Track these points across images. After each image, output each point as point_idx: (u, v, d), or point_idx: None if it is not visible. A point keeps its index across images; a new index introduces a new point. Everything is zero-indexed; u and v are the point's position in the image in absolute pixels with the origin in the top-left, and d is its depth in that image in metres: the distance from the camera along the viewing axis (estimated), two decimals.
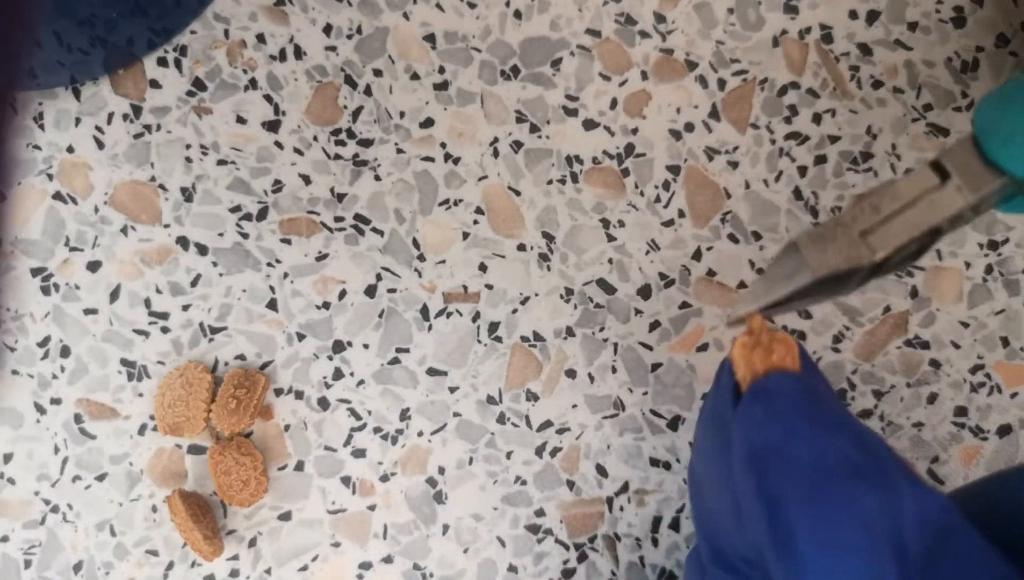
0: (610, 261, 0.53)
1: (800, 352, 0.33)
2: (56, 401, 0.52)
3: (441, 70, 0.53)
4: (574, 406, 0.53)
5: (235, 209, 0.53)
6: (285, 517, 0.52)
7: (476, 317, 0.53)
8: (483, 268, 0.53)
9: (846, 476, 0.28)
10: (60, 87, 0.52)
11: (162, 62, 0.53)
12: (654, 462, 0.53)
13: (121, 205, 0.52)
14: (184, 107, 0.53)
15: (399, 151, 0.53)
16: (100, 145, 0.52)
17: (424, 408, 0.53)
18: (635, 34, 0.54)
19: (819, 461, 0.28)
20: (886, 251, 0.32)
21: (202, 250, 0.52)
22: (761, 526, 0.28)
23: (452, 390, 0.53)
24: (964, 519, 0.27)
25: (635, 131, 0.54)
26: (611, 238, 0.53)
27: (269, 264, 0.53)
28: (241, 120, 0.53)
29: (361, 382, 0.53)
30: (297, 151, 0.53)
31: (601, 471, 0.53)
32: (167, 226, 0.52)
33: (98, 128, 0.52)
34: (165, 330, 0.52)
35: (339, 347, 0.53)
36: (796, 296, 0.33)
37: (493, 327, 0.53)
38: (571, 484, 0.53)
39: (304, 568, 0.52)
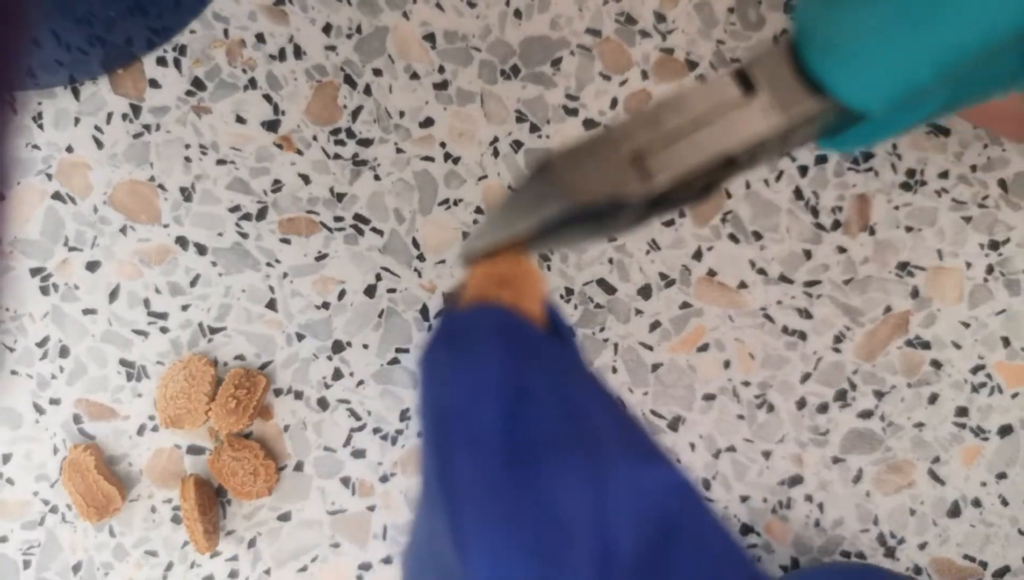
0: (610, 261, 0.53)
1: (551, 312, 0.26)
2: (55, 401, 0.52)
3: (441, 70, 0.53)
4: None
5: (234, 209, 0.52)
6: (285, 518, 0.52)
7: None
8: None
9: (544, 452, 0.21)
10: (59, 87, 0.52)
11: (161, 62, 0.53)
12: None
13: (120, 205, 0.52)
14: (183, 107, 0.53)
15: (399, 151, 0.53)
16: (99, 145, 0.52)
17: None
18: (635, 33, 0.54)
19: (513, 429, 0.21)
20: (664, 182, 0.23)
21: (201, 250, 0.52)
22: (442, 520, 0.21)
23: None
24: (700, 501, 0.22)
25: None
26: (611, 238, 0.53)
27: (268, 264, 0.52)
28: (241, 120, 0.53)
29: (361, 382, 0.52)
30: (297, 151, 0.53)
31: None
32: (166, 226, 0.52)
33: (97, 128, 0.52)
34: (164, 330, 0.52)
35: (339, 347, 0.52)
36: (546, 231, 0.24)
37: None
38: None
39: (304, 569, 0.52)
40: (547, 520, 0.20)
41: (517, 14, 0.54)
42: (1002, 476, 0.54)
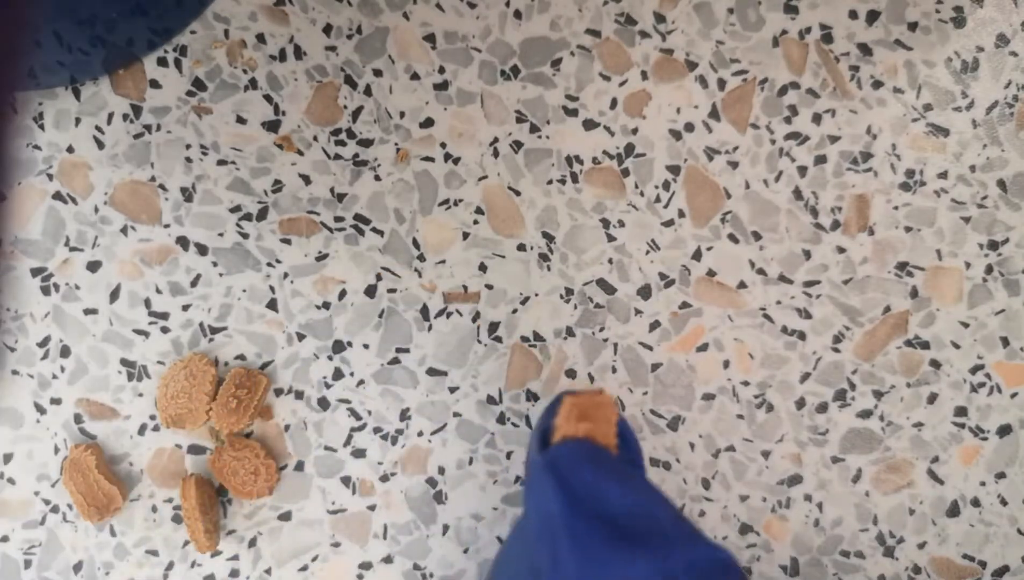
0: (610, 261, 0.53)
1: (622, 431, 0.38)
2: (56, 401, 0.52)
3: (441, 70, 0.53)
4: None
5: (235, 209, 0.53)
6: (285, 517, 0.52)
7: (476, 317, 0.53)
8: (483, 268, 0.53)
9: (620, 535, 0.32)
10: (60, 87, 0.52)
11: (162, 62, 0.53)
12: (654, 462, 0.53)
13: (121, 205, 0.52)
14: (184, 107, 0.53)
15: (399, 150, 0.53)
16: (100, 145, 0.52)
17: (424, 408, 0.53)
18: (635, 34, 0.54)
19: (601, 515, 0.33)
20: None
21: (202, 250, 0.52)
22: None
23: (452, 390, 0.53)
24: (739, 569, 0.31)
25: (635, 131, 0.54)
26: (611, 238, 0.53)
27: (269, 264, 0.53)
28: (241, 120, 0.53)
29: (361, 382, 0.53)
30: (298, 151, 0.53)
31: None
32: (167, 226, 0.52)
33: (98, 128, 0.52)
34: (165, 330, 0.52)
35: (339, 347, 0.53)
36: None
37: (493, 327, 0.53)
38: None
39: (304, 568, 0.52)
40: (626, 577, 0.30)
41: (517, 15, 0.54)
42: (1001, 476, 0.54)
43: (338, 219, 0.53)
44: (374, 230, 0.53)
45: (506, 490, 0.53)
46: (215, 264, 0.52)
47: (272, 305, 0.52)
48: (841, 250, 0.53)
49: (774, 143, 0.54)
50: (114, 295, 0.52)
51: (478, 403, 0.53)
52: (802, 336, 0.53)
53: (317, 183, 0.53)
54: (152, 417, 0.52)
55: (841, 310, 0.54)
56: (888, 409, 0.53)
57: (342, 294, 0.53)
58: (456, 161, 0.53)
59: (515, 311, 0.53)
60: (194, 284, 0.52)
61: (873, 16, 0.55)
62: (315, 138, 0.53)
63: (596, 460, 0.36)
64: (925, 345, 0.54)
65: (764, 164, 0.54)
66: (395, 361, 0.53)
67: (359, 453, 0.52)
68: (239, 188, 0.53)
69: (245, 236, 0.53)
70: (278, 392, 0.52)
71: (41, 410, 0.52)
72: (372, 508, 0.52)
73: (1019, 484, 0.54)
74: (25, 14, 0.19)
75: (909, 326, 0.54)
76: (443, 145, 0.53)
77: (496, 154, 0.53)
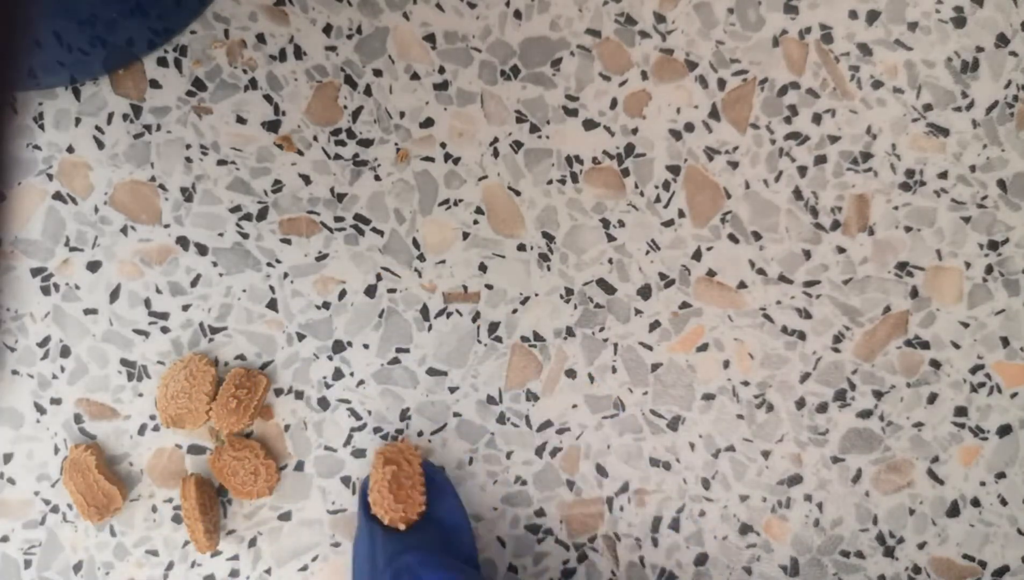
0: (610, 261, 0.53)
1: (425, 469, 0.50)
2: (56, 401, 0.52)
3: (441, 70, 0.53)
4: (574, 406, 0.53)
5: (235, 209, 0.53)
6: (285, 517, 0.52)
7: (476, 317, 0.53)
8: (483, 268, 0.53)
9: None
10: (60, 87, 0.52)
11: (162, 62, 0.53)
12: (654, 462, 0.53)
13: (121, 205, 0.52)
14: (184, 107, 0.53)
15: (399, 151, 0.53)
16: (100, 145, 0.52)
17: (424, 408, 0.53)
18: (635, 34, 0.54)
19: None
20: None
21: (202, 250, 0.52)
22: None
23: (452, 390, 0.53)
24: None
25: (635, 131, 0.54)
26: (611, 238, 0.53)
27: (269, 264, 0.53)
28: (241, 120, 0.53)
29: (361, 382, 0.53)
30: (298, 151, 0.53)
31: (601, 471, 0.53)
32: (167, 226, 0.52)
33: (98, 128, 0.52)
34: (165, 330, 0.52)
35: (339, 347, 0.53)
36: None
37: (493, 327, 0.53)
38: (571, 484, 0.53)
39: (304, 568, 0.52)
40: None
41: (517, 15, 0.54)
42: (1001, 476, 0.54)
43: (338, 219, 0.53)
44: (374, 230, 0.53)
45: (506, 490, 0.53)
46: (215, 264, 0.52)
47: (272, 305, 0.52)
48: (841, 250, 0.53)
49: (774, 143, 0.54)
50: (114, 295, 0.52)
51: (478, 403, 0.53)
52: (802, 336, 0.53)
53: (317, 183, 0.53)
54: (152, 417, 0.52)
55: (841, 310, 0.54)
56: (888, 409, 0.53)
57: (342, 294, 0.53)
58: (456, 161, 0.53)
59: (515, 311, 0.53)
60: (194, 284, 0.52)
61: (873, 16, 0.55)
62: (315, 138, 0.53)
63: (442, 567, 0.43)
64: (925, 345, 0.54)
65: (764, 164, 0.54)
66: (395, 361, 0.53)
67: (359, 453, 0.52)
68: (239, 188, 0.53)
69: (245, 236, 0.53)
70: (278, 392, 0.52)
71: (41, 410, 0.52)
72: None
73: (1019, 484, 0.54)
74: (25, 14, 0.19)
75: (909, 326, 0.54)
76: (443, 145, 0.53)
77: (496, 154, 0.53)
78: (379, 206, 0.53)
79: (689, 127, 0.54)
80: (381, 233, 0.53)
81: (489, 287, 0.53)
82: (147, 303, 0.52)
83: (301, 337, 0.52)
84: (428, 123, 0.53)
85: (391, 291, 0.53)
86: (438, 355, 0.53)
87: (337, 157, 0.53)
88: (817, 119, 0.54)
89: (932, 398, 0.54)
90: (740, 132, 0.54)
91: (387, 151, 0.53)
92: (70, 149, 0.52)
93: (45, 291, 0.52)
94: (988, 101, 0.54)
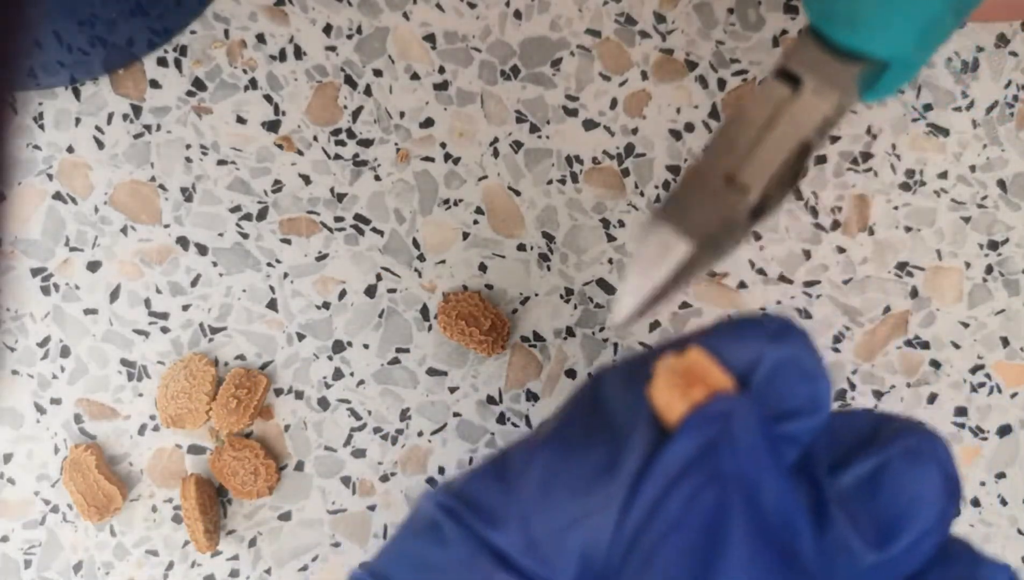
0: (610, 261, 0.53)
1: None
2: (56, 401, 0.52)
3: (441, 70, 0.53)
4: None
5: (235, 209, 0.53)
6: (285, 517, 0.52)
7: None
8: (483, 268, 0.53)
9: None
10: (60, 87, 0.52)
11: (162, 62, 0.53)
12: None
13: (121, 205, 0.52)
14: (184, 107, 0.53)
15: (399, 151, 0.53)
16: (100, 145, 0.52)
17: (424, 408, 0.53)
18: (635, 34, 0.54)
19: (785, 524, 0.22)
20: (759, 187, 0.26)
21: (202, 250, 0.52)
22: None
23: (452, 390, 0.53)
24: None
25: (635, 131, 0.54)
26: (611, 238, 0.53)
27: (269, 264, 0.53)
28: (241, 120, 0.53)
29: (361, 382, 0.53)
30: (298, 151, 0.53)
31: None
32: (167, 226, 0.52)
33: (98, 128, 0.52)
34: (165, 330, 0.52)
35: (339, 347, 0.53)
36: (677, 278, 0.26)
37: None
38: None
39: (304, 568, 0.52)
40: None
41: (517, 15, 0.54)
42: (1001, 476, 0.54)
43: (338, 219, 0.53)
44: (374, 230, 0.53)
45: None
46: (215, 264, 0.52)
47: (272, 305, 0.52)
48: (841, 250, 0.53)
49: None
50: (114, 295, 0.52)
51: (478, 403, 0.53)
52: None
53: (317, 183, 0.53)
54: (152, 417, 0.52)
55: (841, 310, 0.54)
56: (888, 409, 0.53)
57: (342, 294, 0.53)
58: (456, 161, 0.53)
59: (515, 311, 0.53)
60: (194, 284, 0.52)
61: None
62: (315, 138, 0.53)
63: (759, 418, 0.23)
64: (925, 345, 0.54)
65: None
66: (395, 361, 0.53)
67: (359, 453, 0.52)
68: (239, 188, 0.53)
69: (245, 236, 0.53)
70: (278, 392, 0.52)
71: (41, 410, 0.52)
72: (372, 508, 0.52)
73: (1019, 484, 0.54)
74: (25, 14, 0.19)
75: (909, 326, 0.54)
76: (443, 145, 0.53)
77: (496, 154, 0.53)
78: (379, 206, 0.53)
79: (689, 127, 0.54)
80: (381, 233, 0.53)
81: (489, 287, 0.53)
82: (147, 303, 0.52)
83: (301, 337, 0.53)
84: (428, 123, 0.53)
85: (391, 291, 0.53)
86: (438, 355, 0.53)
87: (337, 157, 0.53)
88: None
89: (932, 398, 0.54)
90: None
91: (387, 151, 0.53)
92: (70, 149, 0.52)
93: (45, 291, 0.52)
94: (988, 101, 0.54)
